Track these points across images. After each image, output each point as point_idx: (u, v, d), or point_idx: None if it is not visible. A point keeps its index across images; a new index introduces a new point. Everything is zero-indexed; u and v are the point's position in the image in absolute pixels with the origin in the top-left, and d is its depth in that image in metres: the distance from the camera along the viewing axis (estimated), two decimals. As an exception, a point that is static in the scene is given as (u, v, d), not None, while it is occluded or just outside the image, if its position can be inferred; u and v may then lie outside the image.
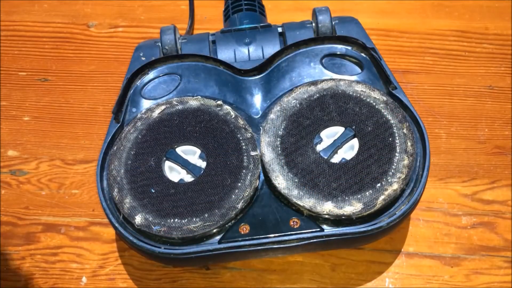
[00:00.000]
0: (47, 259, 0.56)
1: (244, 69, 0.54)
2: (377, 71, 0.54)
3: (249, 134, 0.50)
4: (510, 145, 0.60)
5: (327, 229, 0.46)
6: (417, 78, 0.66)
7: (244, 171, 0.48)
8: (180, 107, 0.51)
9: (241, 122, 0.50)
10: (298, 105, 0.51)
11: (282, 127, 0.50)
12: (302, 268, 0.54)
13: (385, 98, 0.50)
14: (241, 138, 0.49)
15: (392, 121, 0.49)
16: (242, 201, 0.46)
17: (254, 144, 0.49)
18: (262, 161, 0.49)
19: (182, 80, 0.55)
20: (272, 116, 0.50)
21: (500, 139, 0.61)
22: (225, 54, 0.57)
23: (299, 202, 0.46)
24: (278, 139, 0.49)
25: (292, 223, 0.47)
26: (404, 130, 0.48)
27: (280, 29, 0.58)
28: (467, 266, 0.54)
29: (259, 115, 0.53)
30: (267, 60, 0.55)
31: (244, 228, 0.47)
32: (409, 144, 0.48)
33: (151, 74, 0.56)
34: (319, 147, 0.49)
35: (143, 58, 0.57)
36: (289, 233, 0.46)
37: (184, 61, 0.56)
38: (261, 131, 0.50)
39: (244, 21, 0.60)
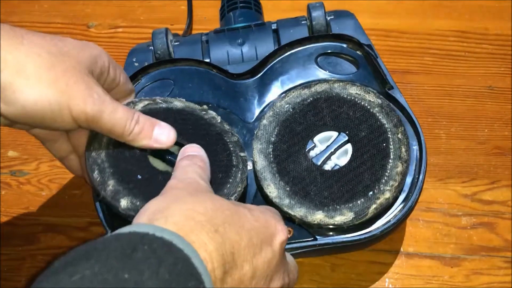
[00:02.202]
0: (47, 259, 0.56)
1: (236, 73, 0.54)
2: (373, 69, 0.53)
3: (235, 137, 0.49)
4: (510, 146, 0.60)
5: (320, 238, 0.46)
6: (417, 79, 0.66)
7: (234, 169, 0.47)
8: (164, 105, 0.50)
9: (226, 126, 0.50)
10: (291, 110, 0.50)
11: (275, 133, 0.49)
12: (302, 268, 0.54)
13: (380, 101, 0.49)
14: (228, 140, 0.49)
15: (386, 126, 0.48)
16: (235, 195, 0.46)
17: (241, 146, 0.49)
18: (254, 168, 0.48)
19: (176, 85, 0.54)
20: (264, 121, 0.50)
21: (500, 139, 0.61)
22: (218, 55, 0.56)
23: (290, 212, 0.45)
24: (271, 145, 0.48)
25: (285, 232, 0.46)
26: (399, 135, 0.47)
27: (274, 26, 0.57)
28: (467, 267, 0.54)
29: (253, 120, 0.53)
30: (260, 62, 0.54)
31: None
32: (403, 150, 0.47)
33: (143, 80, 0.55)
34: (312, 153, 0.48)
35: (136, 64, 0.56)
36: None
37: (177, 65, 0.55)
38: (254, 137, 0.49)
39: (239, 19, 0.59)
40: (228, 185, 0.46)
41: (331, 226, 0.46)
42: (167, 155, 0.46)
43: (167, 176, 0.45)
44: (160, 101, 0.50)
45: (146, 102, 0.49)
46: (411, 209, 0.47)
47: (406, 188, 0.47)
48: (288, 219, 0.46)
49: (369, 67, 0.54)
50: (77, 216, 0.58)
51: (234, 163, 0.47)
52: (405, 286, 0.53)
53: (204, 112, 0.50)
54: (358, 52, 0.54)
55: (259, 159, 0.48)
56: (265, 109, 0.53)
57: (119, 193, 0.44)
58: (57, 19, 0.74)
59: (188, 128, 0.48)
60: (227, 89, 0.54)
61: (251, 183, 0.50)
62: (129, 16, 0.73)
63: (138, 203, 0.44)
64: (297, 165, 0.47)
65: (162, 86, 0.55)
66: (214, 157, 0.47)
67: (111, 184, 0.44)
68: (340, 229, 0.46)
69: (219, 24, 0.64)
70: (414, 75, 0.66)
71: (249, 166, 0.50)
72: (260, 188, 0.48)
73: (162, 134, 0.44)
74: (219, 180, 0.46)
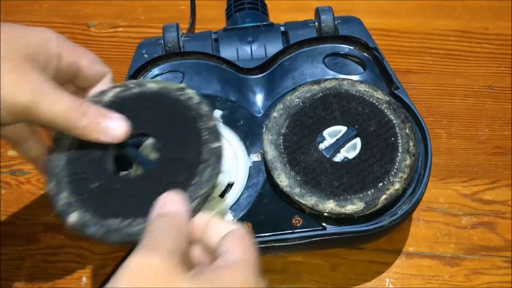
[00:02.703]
0: (47, 259, 0.56)
1: (246, 67, 0.55)
2: (379, 71, 0.55)
3: (212, 122, 0.42)
4: (510, 145, 0.61)
5: (329, 228, 0.46)
6: (417, 78, 0.66)
7: (200, 166, 0.40)
8: (136, 90, 0.44)
9: (204, 108, 0.43)
10: (301, 104, 0.51)
11: (285, 125, 0.50)
12: (302, 268, 0.54)
13: (387, 98, 0.50)
14: (203, 126, 0.42)
15: (394, 121, 0.49)
16: (197, 200, 0.38)
17: (217, 133, 0.41)
18: (264, 159, 0.49)
19: (185, 78, 0.56)
20: (275, 114, 0.51)
21: (500, 139, 0.61)
22: (227, 52, 0.57)
23: (301, 200, 0.46)
24: (281, 137, 0.49)
25: (294, 222, 0.47)
26: (407, 130, 0.49)
27: (282, 28, 0.59)
28: (467, 266, 0.54)
29: (261, 114, 0.54)
30: (269, 59, 0.55)
31: (246, 226, 0.47)
32: (411, 144, 0.48)
33: (153, 71, 0.56)
34: (321, 146, 0.49)
35: (146, 56, 0.57)
36: (291, 231, 0.46)
37: (187, 58, 0.56)
38: (264, 129, 0.50)
39: (246, 19, 0.60)
40: (191, 188, 0.39)
41: (340, 217, 0.46)
42: (131, 152, 0.42)
43: (124, 183, 0.40)
44: (133, 86, 0.45)
45: (118, 90, 0.44)
46: (417, 202, 0.47)
47: (412, 183, 0.48)
48: (298, 209, 0.47)
49: (375, 69, 0.55)
50: (77, 216, 0.58)
51: (204, 157, 0.40)
52: (405, 286, 0.53)
53: (181, 93, 0.44)
54: (365, 54, 0.56)
55: (269, 149, 0.49)
56: (273, 104, 0.54)
57: (70, 206, 0.39)
58: (57, 19, 0.74)
59: (160, 114, 0.43)
60: (236, 83, 0.55)
61: (260, 174, 0.50)
62: (129, 16, 0.74)
63: (88, 217, 0.39)
64: (308, 156, 0.48)
65: (171, 78, 0.56)
66: (181, 149, 0.41)
67: (64, 196, 0.40)
68: (349, 220, 0.47)
69: (220, 24, 0.64)
70: (415, 74, 0.66)
71: (258, 157, 0.50)
72: (270, 178, 0.49)
73: (112, 128, 0.40)
74: (181, 181, 0.39)
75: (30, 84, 0.38)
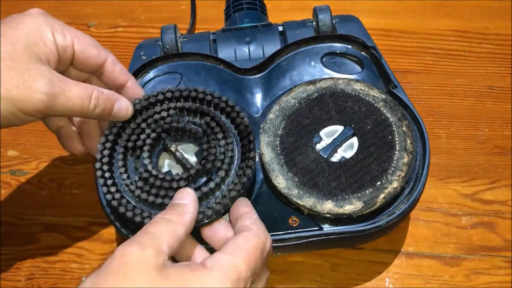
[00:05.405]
0: (47, 259, 0.56)
1: (244, 68, 0.55)
2: (377, 70, 0.55)
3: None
4: (510, 145, 0.60)
5: (326, 228, 0.46)
6: (417, 78, 0.66)
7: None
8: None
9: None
10: (297, 105, 0.51)
11: (282, 126, 0.50)
12: (302, 268, 0.54)
13: (384, 96, 0.50)
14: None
15: (391, 119, 0.49)
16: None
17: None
18: (261, 160, 0.49)
19: (183, 79, 0.56)
20: (271, 115, 0.50)
21: (500, 139, 0.61)
22: (225, 53, 0.57)
23: (299, 202, 0.46)
24: (278, 138, 0.49)
25: (291, 222, 0.47)
26: (404, 128, 0.49)
27: (280, 28, 0.59)
28: (467, 266, 0.54)
29: (259, 114, 0.54)
30: (267, 59, 0.55)
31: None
32: (408, 142, 0.48)
33: (151, 73, 0.56)
34: (318, 146, 0.49)
35: (144, 57, 0.57)
36: (288, 231, 0.46)
37: (185, 60, 0.56)
38: (261, 130, 0.50)
39: (245, 19, 0.60)
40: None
41: (339, 217, 0.46)
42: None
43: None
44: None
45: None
46: (415, 201, 0.47)
47: (410, 182, 0.48)
48: (295, 209, 0.47)
49: (373, 68, 0.55)
50: (77, 216, 0.58)
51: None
52: (405, 285, 0.53)
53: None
54: (362, 53, 0.56)
55: (266, 151, 0.49)
56: (271, 104, 0.54)
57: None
58: (57, 19, 0.74)
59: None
60: (234, 84, 0.55)
61: (257, 174, 0.50)
62: (129, 16, 0.74)
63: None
64: (305, 157, 0.48)
65: (169, 79, 0.56)
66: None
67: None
68: (347, 220, 0.47)
69: (219, 24, 0.64)
70: (415, 74, 0.66)
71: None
72: (267, 180, 0.49)
73: (121, 109, 0.45)
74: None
75: (42, 81, 0.38)
